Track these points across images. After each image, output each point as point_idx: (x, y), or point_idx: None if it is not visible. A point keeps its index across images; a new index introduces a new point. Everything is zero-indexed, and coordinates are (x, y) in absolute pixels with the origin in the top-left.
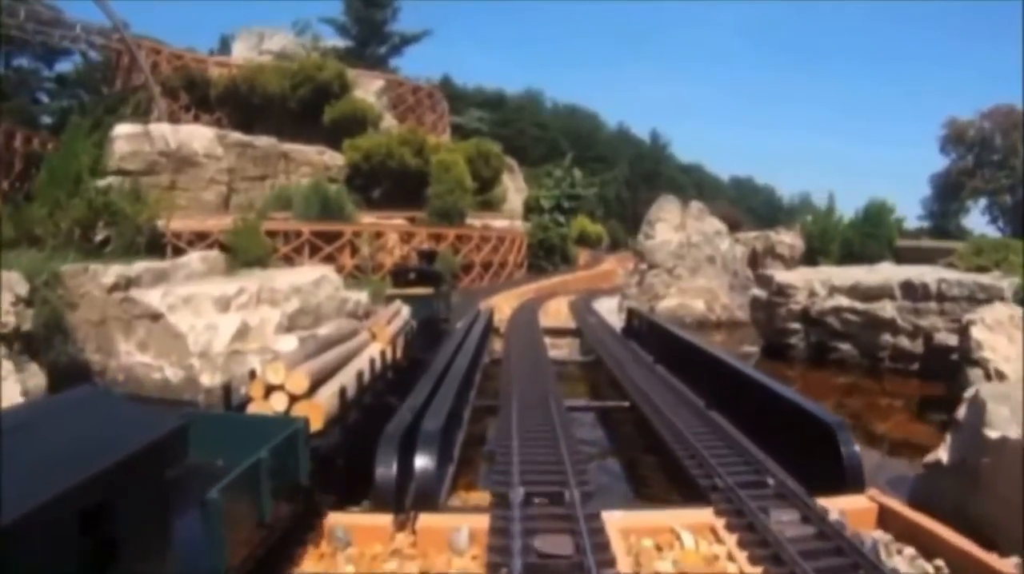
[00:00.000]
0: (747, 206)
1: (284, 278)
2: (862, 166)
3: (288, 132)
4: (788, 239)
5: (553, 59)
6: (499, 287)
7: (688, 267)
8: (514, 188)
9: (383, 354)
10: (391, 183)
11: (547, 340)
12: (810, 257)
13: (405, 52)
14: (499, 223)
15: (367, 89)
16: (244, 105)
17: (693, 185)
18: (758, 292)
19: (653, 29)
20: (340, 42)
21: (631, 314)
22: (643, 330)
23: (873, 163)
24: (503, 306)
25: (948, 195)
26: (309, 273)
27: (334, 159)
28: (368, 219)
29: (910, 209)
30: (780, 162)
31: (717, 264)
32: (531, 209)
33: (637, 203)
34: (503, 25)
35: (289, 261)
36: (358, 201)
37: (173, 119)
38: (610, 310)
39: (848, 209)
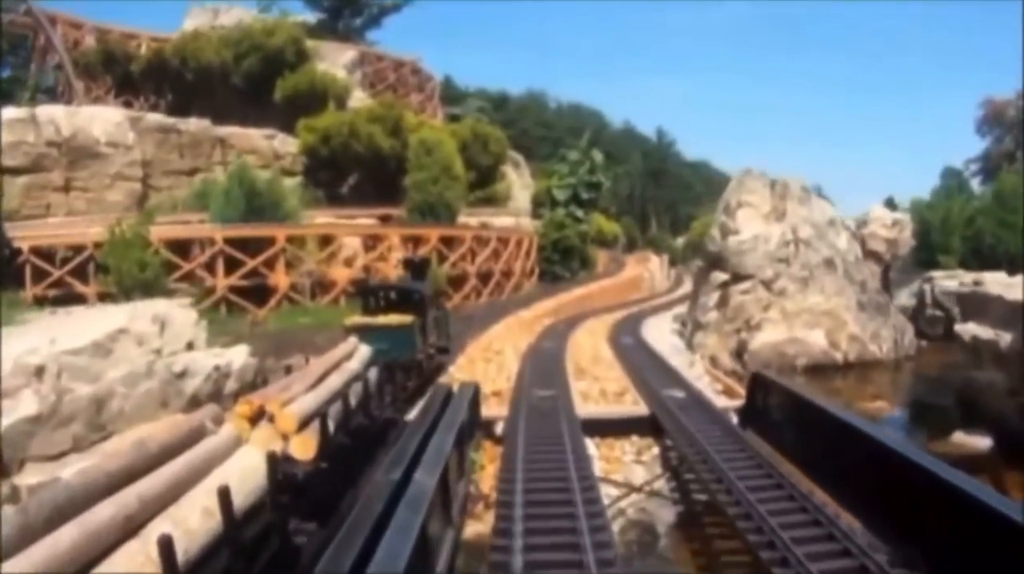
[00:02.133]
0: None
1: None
2: (872, 156)
3: (235, 114)
4: (884, 231)
5: (555, 58)
6: (499, 309)
7: (796, 277)
8: (520, 184)
9: (272, 461)
10: (363, 173)
11: (592, 449)
12: (926, 254)
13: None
14: (501, 221)
15: (335, 62)
16: (176, 83)
17: (701, 181)
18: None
19: (656, 28)
20: (311, 16)
21: (758, 385)
22: (791, 421)
23: (884, 152)
24: (504, 347)
25: (989, 179)
26: (94, 324)
27: (287, 145)
28: (324, 219)
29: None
30: (788, 155)
31: (838, 271)
32: (541, 203)
33: (645, 201)
34: (504, 25)
35: (198, 282)
36: (318, 198)
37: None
38: (671, 349)
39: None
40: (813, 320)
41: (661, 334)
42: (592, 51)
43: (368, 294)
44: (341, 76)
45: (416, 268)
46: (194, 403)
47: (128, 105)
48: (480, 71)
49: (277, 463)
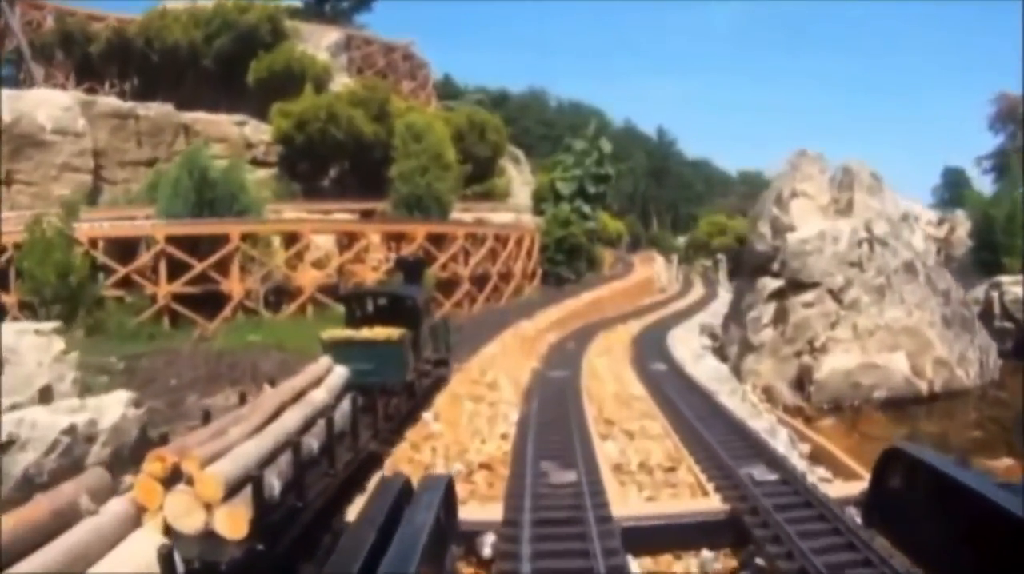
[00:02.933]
0: (756, 201)
1: None
2: (871, 156)
3: (206, 101)
4: (931, 230)
5: (555, 58)
6: (496, 319)
7: (870, 285)
8: (520, 181)
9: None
10: (345, 164)
11: None
12: (988, 255)
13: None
14: (500, 217)
15: (318, 44)
16: (141, 66)
17: (702, 180)
18: None
19: (656, 28)
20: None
21: (894, 465)
22: (954, 526)
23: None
24: (500, 377)
25: (1002, 177)
26: None
27: (260, 133)
28: (292, 214)
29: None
30: (787, 154)
31: (919, 277)
32: (543, 199)
33: (646, 200)
34: (503, 25)
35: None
36: (294, 191)
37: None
38: (711, 375)
39: None
40: (891, 340)
41: (693, 353)
42: (592, 51)
43: (352, 302)
44: (323, 58)
45: (410, 270)
46: (26, 487)
47: (92, 92)
48: (480, 70)
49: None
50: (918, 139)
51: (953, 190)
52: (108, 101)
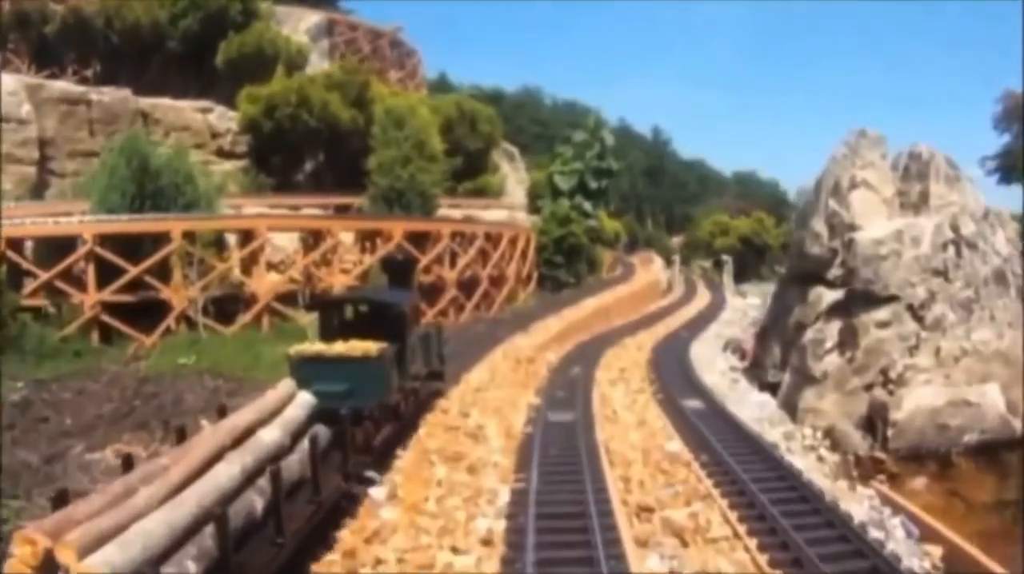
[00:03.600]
0: (752, 200)
1: None
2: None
3: (174, 86)
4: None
5: (549, 58)
6: (485, 333)
7: (957, 299)
8: (515, 179)
9: None
10: (320, 154)
11: None
12: None
13: None
14: (493, 214)
15: (296, 27)
16: (102, 48)
17: (696, 180)
18: None
19: (651, 28)
20: None
21: None
22: None
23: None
24: (487, 421)
25: (1008, 178)
26: None
27: (227, 121)
28: (253, 210)
29: None
30: (784, 155)
31: (1011, 290)
32: (539, 195)
33: (641, 199)
34: (497, 24)
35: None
36: (261, 185)
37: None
38: (755, 414)
39: None
40: (981, 368)
41: (724, 377)
42: (587, 52)
43: (328, 310)
44: (299, 40)
45: (397, 272)
46: None
47: (54, 78)
48: (475, 71)
49: None
50: (919, 138)
51: None
52: (58, 85)
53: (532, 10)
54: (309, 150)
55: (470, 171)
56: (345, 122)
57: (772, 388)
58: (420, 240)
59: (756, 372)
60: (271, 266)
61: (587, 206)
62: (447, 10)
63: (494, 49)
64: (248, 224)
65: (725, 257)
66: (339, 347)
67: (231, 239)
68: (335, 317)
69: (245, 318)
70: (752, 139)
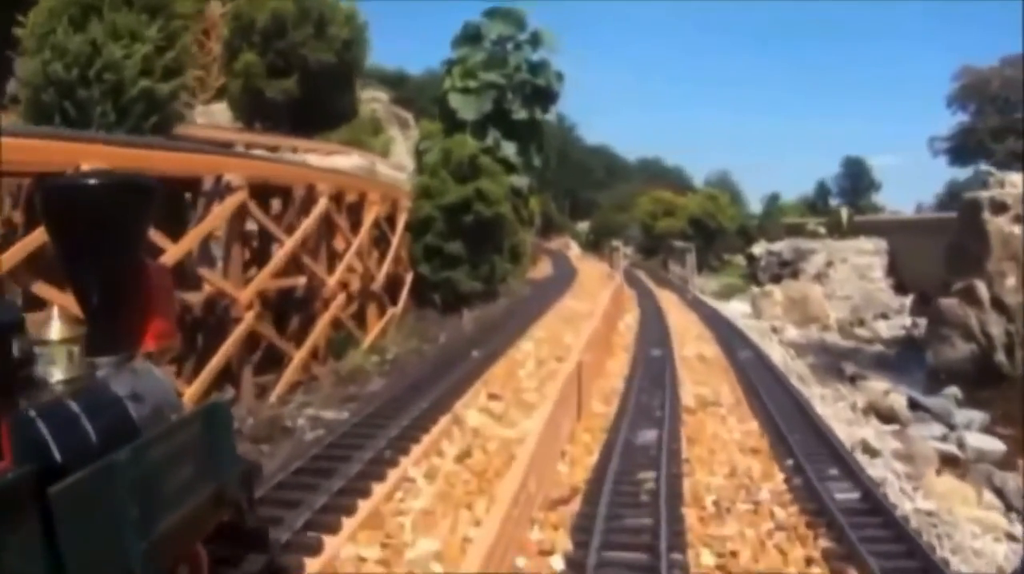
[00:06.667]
0: (661, 186)
1: None
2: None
3: None
4: None
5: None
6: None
7: None
8: (406, 149)
9: None
10: None
11: None
12: None
13: None
14: (338, 162)
15: None
16: None
17: (602, 167)
18: None
19: (564, 17)
20: None
21: None
22: None
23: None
24: None
25: (965, 160)
26: None
27: None
28: None
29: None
30: (690, 142)
31: None
32: (427, 138)
33: (548, 184)
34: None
35: None
36: None
37: None
38: None
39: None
40: None
41: None
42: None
43: None
44: None
45: None
46: None
47: None
48: (382, 53)
49: None
50: (819, 133)
51: (851, 179)
52: None
53: None
54: None
55: (320, 109)
56: None
57: None
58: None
59: None
60: None
61: (510, 150)
62: None
63: (396, 30)
64: None
65: (680, 243)
66: None
67: None
68: None
69: None
70: (657, 128)
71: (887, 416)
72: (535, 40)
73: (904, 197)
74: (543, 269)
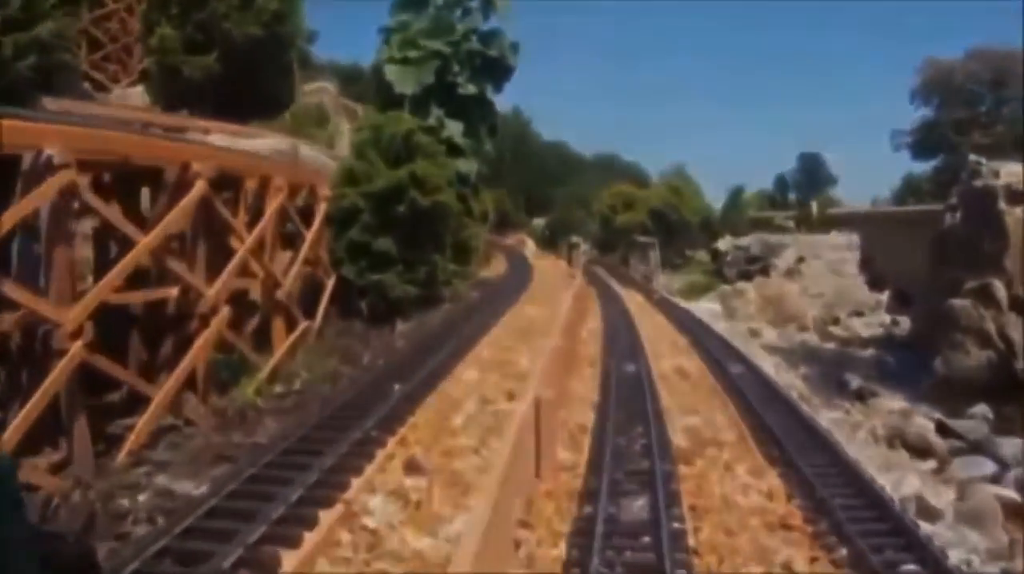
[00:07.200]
0: (614, 183)
1: None
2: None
3: None
4: None
5: None
6: None
7: None
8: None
9: None
10: None
11: None
12: None
13: None
14: (260, 144)
15: None
16: None
17: (558, 163)
18: None
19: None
20: None
21: None
22: None
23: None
24: None
25: (926, 153)
26: None
27: None
28: None
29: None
30: (645, 138)
31: None
32: (360, 127)
33: (503, 179)
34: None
35: None
36: None
37: None
38: None
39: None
40: None
41: None
42: None
43: None
44: None
45: None
46: None
47: None
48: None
49: None
50: (777, 126)
51: (807, 175)
52: None
53: None
54: None
55: (257, 93)
56: None
57: None
58: None
59: None
60: None
61: (456, 130)
62: None
63: (353, 24)
64: None
65: (642, 238)
66: None
67: None
68: None
69: None
70: (612, 123)
71: (918, 447)
72: (487, 6)
73: (855, 192)
74: (497, 268)
